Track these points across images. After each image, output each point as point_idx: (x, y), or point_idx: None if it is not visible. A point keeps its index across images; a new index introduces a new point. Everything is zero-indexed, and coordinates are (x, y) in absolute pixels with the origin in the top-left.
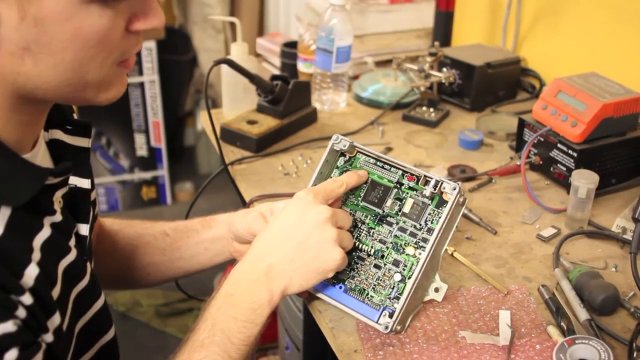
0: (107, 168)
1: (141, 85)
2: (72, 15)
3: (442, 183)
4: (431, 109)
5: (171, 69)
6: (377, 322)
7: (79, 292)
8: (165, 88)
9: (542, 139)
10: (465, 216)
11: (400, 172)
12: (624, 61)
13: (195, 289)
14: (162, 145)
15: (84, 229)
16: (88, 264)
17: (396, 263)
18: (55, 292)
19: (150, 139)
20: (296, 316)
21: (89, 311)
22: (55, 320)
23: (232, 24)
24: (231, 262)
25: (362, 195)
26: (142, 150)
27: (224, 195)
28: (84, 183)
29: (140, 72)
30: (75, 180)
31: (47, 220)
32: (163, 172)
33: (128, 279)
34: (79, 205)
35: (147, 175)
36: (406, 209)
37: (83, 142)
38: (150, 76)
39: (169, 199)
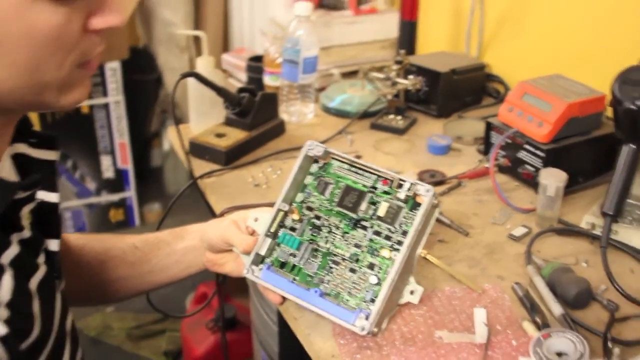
0: (73, 191)
1: (106, 106)
2: (24, 12)
3: (416, 186)
4: (399, 117)
5: (136, 89)
6: (353, 324)
7: None
8: (131, 109)
9: (509, 141)
10: (436, 219)
11: (374, 176)
12: (587, 62)
13: (167, 309)
14: (129, 167)
15: (54, 245)
16: (57, 281)
17: (371, 266)
18: (35, 306)
19: (116, 160)
20: (271, 329)
21: (66, 325)
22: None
23: (197, 42)
24: (203, 282)
25: (336, 200)
26: (108, 172)
27: (193, 214)
28: (52, 197)
29: (105, 93)
30: (42, 195)
31: (15, 237)
32: (131, 193)
33: (96, 295)
34: (48, 220)
35: (115, 197)
36: (381, 212)
37: (50, 155)
38: (115, 97)
39: (137, 220)
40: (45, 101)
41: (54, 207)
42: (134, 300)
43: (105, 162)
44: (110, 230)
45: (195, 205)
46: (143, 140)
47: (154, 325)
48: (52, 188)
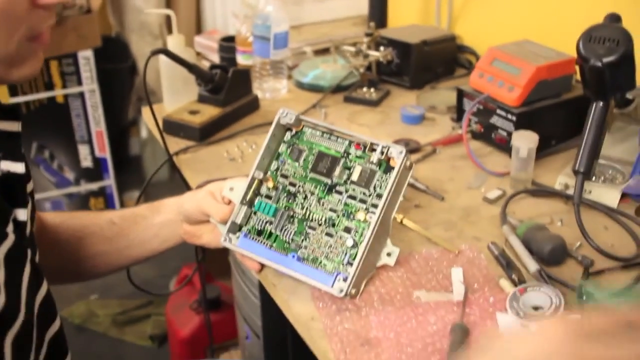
0: (52, 181)
1: (81, 95)
2: None
3: (388, 148)
4: (372, 89)
5: (111, 77)
6: (331, 287)
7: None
8: (106, 97)
9: (481, 107)
10: (411, 185)
11: (347, 141)
12: (555, 27)
13: (152, 290)
14: (107, 155)
15: (22, 214)
16: (29, 251)
17: (347, 230)
18: (0, 275)
19: (94, 149)
20: (253, 303)
21: (35, 300)
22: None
23: (170, 28)
24: (185, 263)
25: (310, 167)
26: (86, 161)
27: None
28: (17, 167)
29: (80, 82)
30: (7, 165)
31: None
32: (110, 182)
33: (75, 271)
34: (14, 190)
35: (94, 186)
36: (354, 177)
37: (12, 126)
38: (90, 85)
39: (118, 208)
40: None
41: (20, 177)
42: (118, 286)
43: (83, 151)
44: None
45: (173, 192)
46: (120, 128)
47: (139, 310)
48: (17, 158)
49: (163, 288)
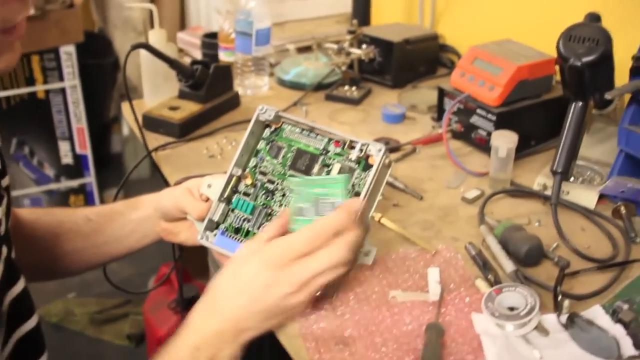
0: (32, 178)
1: (62, 91)
2: None
3: (367, 146)
4: (353, 88)
5: (93, 73)
6: None
7: None
8: (88, 93)
9: (462, 107)
10: (390, 184)
11: (326, 139)
12: (536, 27)
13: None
14: (88, 152)
15: None
16: (4, 248)
17: None
18: None
19: (75, 146)
20: None
21: (6, 297)
22: None
23: (152, 21)
24: (164, 262)
25: (289, 164)
26: (67, 158)
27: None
28: None
29: (61, 78)
30: None
31: None
32: (90, 179)
33: (52, 268)
34: None
35: (74, 183)
36: (333, 174)
37: None
38: (72, 81)
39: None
40: None
41: None
42: (96, 284)
43: (64, 147)
44: None
45: (154, 189)
46: (102, 125)
47: (117, 309)
48: None
49: (141, 286)
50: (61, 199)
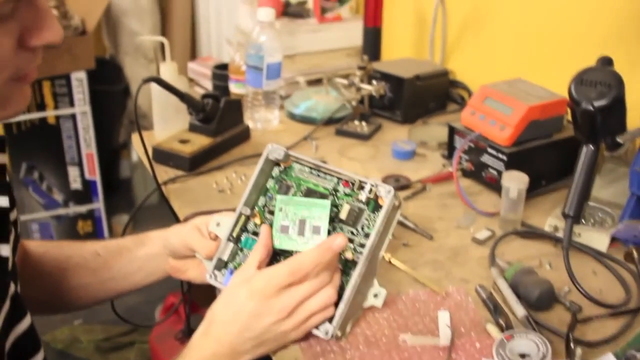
0: (41, 203)
1: (73, 117)
2: None
3: (377, 187)
4: (363, 123)
5: (103, 100)
6: (317, 328)
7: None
8: (98, 119)
9: (472, 145)
10: (400, 223)
11: (335, 179)
12: (547, 66)
13: (136, 320)
14: (97, 178)
15: (4, 250)
16: (12, 285)
17: None
18: None
19: (84, 171)
20: None
21: (10, 335)
22: None
23: (163, 51)
24: (172, 292)
25: None
26: (76, 184)
27: (161, 225)
28: (2, 201)
29: (72, 104)
30: None
31: None
32: (99, 204)
33: (57, 302)
34: None
35: (83, 208)
36: (343, 215)
37: None
38: (82, 107)
39: (106, 232)
40: None
41: (4, 211)
42: (102, 312)
43: (73, 173)
44: None
45: (162, 217)
46: (111, 151)
47: (123, 337)
48: (3, 191)
49: (148, 315)
50: (69, 224)
